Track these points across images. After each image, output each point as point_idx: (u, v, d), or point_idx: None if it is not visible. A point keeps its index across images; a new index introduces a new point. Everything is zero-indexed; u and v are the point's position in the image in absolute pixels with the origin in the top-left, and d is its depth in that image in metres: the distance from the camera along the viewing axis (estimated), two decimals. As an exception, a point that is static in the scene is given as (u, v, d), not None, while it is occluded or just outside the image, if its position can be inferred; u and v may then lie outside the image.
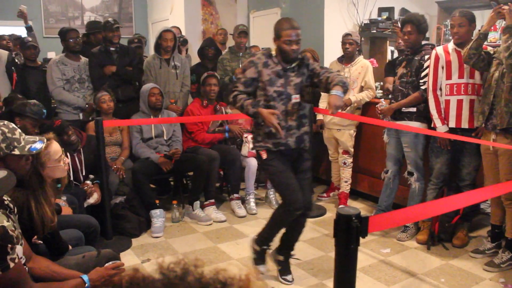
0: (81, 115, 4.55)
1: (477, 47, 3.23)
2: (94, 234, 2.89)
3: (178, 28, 6.08)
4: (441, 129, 3.53)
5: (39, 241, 2.33)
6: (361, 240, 1.46)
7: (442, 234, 3.72)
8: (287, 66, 2.97)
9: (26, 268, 1.92)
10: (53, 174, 2.50)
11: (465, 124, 3.49)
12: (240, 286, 0.64)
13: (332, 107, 2.71)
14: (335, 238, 1.46)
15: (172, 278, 0.64)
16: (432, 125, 3.63)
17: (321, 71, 2.97)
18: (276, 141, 2.97)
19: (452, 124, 3.53)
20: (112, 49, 4.63)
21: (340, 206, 4.52)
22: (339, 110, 2.81)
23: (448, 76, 3.53)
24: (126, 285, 0.62)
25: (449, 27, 3.70)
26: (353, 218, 1.42)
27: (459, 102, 3.48)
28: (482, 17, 5.57)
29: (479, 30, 3.28)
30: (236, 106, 2.98)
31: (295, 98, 2.94)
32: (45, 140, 2.10)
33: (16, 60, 4.80)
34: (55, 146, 2.52)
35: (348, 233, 1.42)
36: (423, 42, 3.88)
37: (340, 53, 4.64)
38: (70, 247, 2.47)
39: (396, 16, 5.87)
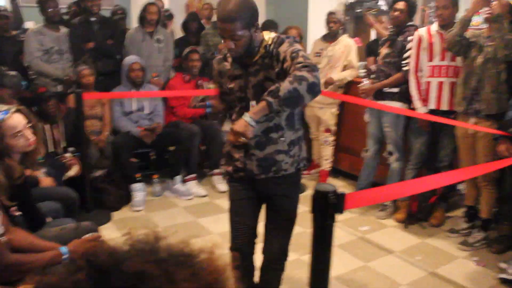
0: (59, 87, 4.46)
1: (462, 33, 3.23)
2: (73, 207, 2.88)
3: (161, 0, 5.96)
4: (420, 110, 3.56)
5: (17, 213, 2.31)
6: (341, 217, 1.48)
7: (419, 213, 3.80)
8: (248, 62, 2.07)
9: (4, 239, 1.91)
10: (14, 147, 2.24)
11: (445, 106, 3.52)
12: (203, 259, 0.65)
13: (229, 133, 1.93)
14: (312, 214, 1.48)
15: (139, 249, 0.64)
16: (412, 106, 3.67)
17: (289, 63, 1.92)
18: (235, 166, 2.25)
19: (432, 105, 3.55)
20: (92, 19, 4.52)
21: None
22: (242, 139, 1.89)
23: (430, 58, 3.54)
24: (91, 257, 0.63)
25: (433, 9, 3.69)
26: (330, 194, 1.43)
27: (440, 84, 3.51)
28: (465, 0, 5.57)
29: (464, 16, 3.27)
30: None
31: (253, 105, 2.03)
32: (12, 111, 2.08)
33: None
34: (14, 120, 2.16)
35: (325, 209, 1.44)
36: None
37: (324, 31, 4.62)
38: (49, 219, 2.46)
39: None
